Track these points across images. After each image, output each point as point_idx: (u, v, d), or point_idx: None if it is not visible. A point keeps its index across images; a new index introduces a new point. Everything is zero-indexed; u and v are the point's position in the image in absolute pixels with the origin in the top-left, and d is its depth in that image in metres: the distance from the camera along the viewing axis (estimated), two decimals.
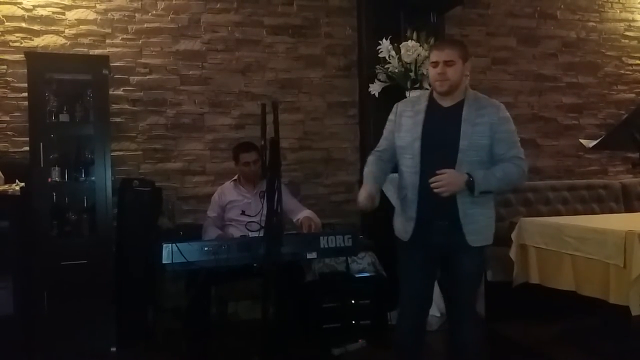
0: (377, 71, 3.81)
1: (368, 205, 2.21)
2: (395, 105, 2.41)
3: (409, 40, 3.71)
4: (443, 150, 2.20)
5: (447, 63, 2.21)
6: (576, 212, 4.43)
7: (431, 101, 2.29)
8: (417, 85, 3.68)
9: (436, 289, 2.53)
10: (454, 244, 2.25)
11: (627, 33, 5.07)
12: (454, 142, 2.19)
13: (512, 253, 3.43)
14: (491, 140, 2.22)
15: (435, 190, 2.13)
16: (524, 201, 4.50)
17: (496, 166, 2.22)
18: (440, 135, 2.23)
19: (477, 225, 2.25)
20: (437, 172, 2.13)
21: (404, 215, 2.33)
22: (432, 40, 3.77)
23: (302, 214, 3.37)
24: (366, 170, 2.37)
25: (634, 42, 5.09)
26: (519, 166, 2.25)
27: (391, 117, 2.38)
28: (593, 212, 4.46)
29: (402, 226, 2.34)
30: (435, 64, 2.23)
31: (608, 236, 2.83)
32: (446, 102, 2.27)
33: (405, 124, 2.28)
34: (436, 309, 3.56)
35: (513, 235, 3.45)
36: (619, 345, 3.08)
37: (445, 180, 2.13)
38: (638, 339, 2.77)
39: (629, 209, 4.50)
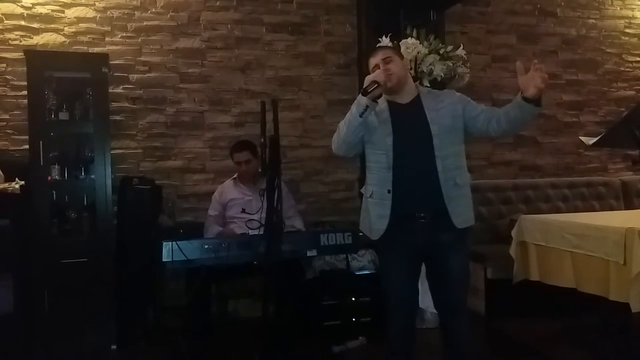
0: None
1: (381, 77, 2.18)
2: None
3: (409, 38, 3.70)
4: (417, 142, 2.23)
5: (385, 60, 2.28)
6: (576, 210, 4.43)
7: (389, 102, 2.32)
8: (417, 83, 3.66)
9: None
10: (439, 239, 2.24)
11: (627, 30, 5.07)
12: (425, 131, 2.23)
13: (512, 250, 3.43)
14: (455, 119, 2.26)
15: (540, 81, 2.06)
16: (524, 198, 4.50)
17: (484, 112, 2.27)
18: (410, 128, 2.26)
19: (461, 207, 2.26)
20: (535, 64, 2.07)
21: (373, 213, 2.30)
22: (432, 38, 3.77)
23: (291, 221, 3.35)
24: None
25: (634, 40, 5.09)
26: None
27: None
28: (593, 210, 4.47)
29: (373, 225, 2.31)
30: (376, 68, 2.29)
31: (608, 233, 2.83)
32: (403, 99, 2.32)
33: (371, 122, 2.26)
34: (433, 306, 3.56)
35: (513, 233, 3.45)
36: (619, 342, 3.08)
37: (535, 80, 2.08)
38: (638, 336, 2.78)
39: (629, 206, 4.50)
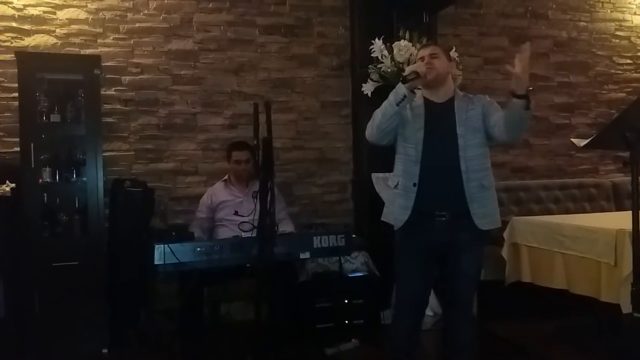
0: (369, 71, 3.81)
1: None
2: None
3: (402, 40, 3.71)
4: (444, 139, 2.29)
5: (432, 55, 2.34)
6: (568, 211, 4.46)
7: (425, 99, 2.38)
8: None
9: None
10: (456, 239, 2.26)
11: (618, 33, 5.11)
12: (452, 131, 2.29)
13: (504, 252, 3.45)
14: (482, 118, 2.31)
15: (518, 76, 2.18)
16: (516, 200, 4.52)
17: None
18: (440, 127, 2.31)
19: (486, 208, 2.30)
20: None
21: (397, 203, 2.33)
22: (424, 40, 3.78)
23: (281, 225, 3.35)
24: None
25: (625, 42, 5.13)
26: None
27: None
28: (584, 211, 4.49)
29: (394, 214, 2.35)
30: (422, 59, 2.36)
31: (599, 235, 2.85)
32: (439, 99, 2.37)
33: (405, 116, 2.33)
34: (429, 308, 3.57)
35: (505, 234, 3.46)
36: (610, 342, 3.10)
37: (522, 69, 2.20)
38: (629, 337, 2.78)
39: (620, 208, 4.53)
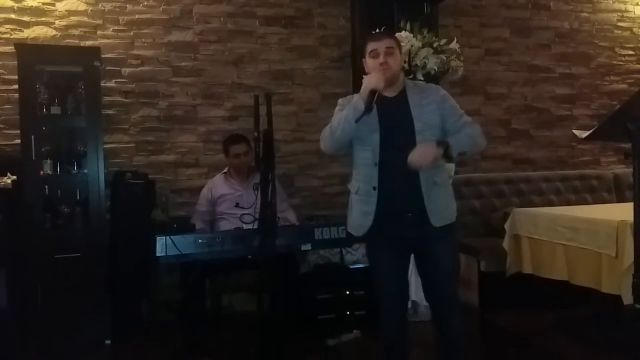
0: None
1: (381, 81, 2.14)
2: (340, 100, 2.36)
3: (403, 31, 3.69)
4: (401, 138, 2.21)
5: (388, 51, 2.23)
6: (569, 203, 4.46)
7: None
8: (411, 77, 3.67)
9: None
10: (423, 233, 2.23)
11: (620, 24, 5.08)
12: (409, 127, 2.21)
13: (505, 243, 3.45)
14: (440, 117, 2.25)
15: (414, 165, 2.10)
16: (517, 192, 4.52)
17: (457, 134, 2.24)
18: (395, 124, 2.24)
19: (439, 206, 2.25)
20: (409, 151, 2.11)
21: (359, 209, 2.29)
22: (425, 31, 3.76)
23: (284, 215, 3.35)
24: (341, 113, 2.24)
25: (627, 33, 5.10)
26: (475, 127, 2.29)
27: (339, 107, 2.32)
28: (586, 203, 4.49)
29: (357, 221, 2.31)
30: (376, 54, 2.23)
31: (600, 226, 2.85)
32: (390, 93, 2.27)
33: None
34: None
35: (506, 226, 3.47)
36: (611, 334, 3.11)
37: (418, 151, 2.11)
38: (630, 328, 2.79)
39: (621, 199, 4.53)
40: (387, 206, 2.22)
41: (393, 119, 2.24)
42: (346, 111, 2.20)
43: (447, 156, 2.17)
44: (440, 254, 2.27)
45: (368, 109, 2.11)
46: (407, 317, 2.51)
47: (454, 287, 2.37)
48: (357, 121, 2.13)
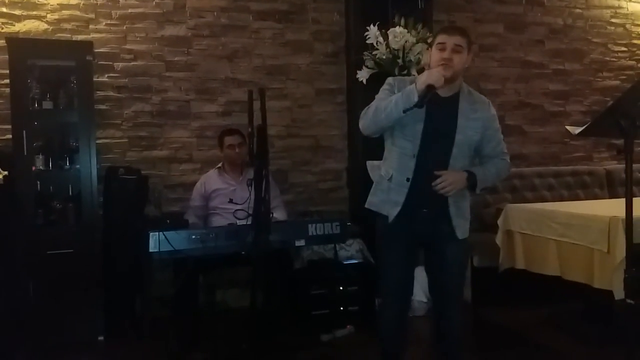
0: (364, 57, 3.79)
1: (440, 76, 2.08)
2: (391, 79, 2.31)
3: (397, 27, 3.69)
4: (440, 140, 2.21)
5: (455, 48, 2.16)
6: (561, 198, 4.47)
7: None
8: (405, 72, 3.67)
9: (423, 274, 2.54)
10: (439, 233, 2.26)
11: (613, 20, 5.10)
12: (451, 134, 2.21)
13: (498, 239, 3.46)
14: (481, 136, 2.26)
15: (441, 191, 2.15)
16: (510, 188, 4.54)
17: (488, 163, 2.31)
18: (440, 125, 2.21)
19: (464, 218, 2.30)
20: (436, 173, 2.16)
21: (387, 197, 2.29)
22: (419, 26, 3.76)
23: (275, 212, 3.34)
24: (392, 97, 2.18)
25: (620, 29, 5.12)
26: (506, 162, 2.37)
27: (387, 87, 2.28)
28: (578, 198, 4.51)
29: (384, 206, 2.30)
30: (443, 47, 2.16)
31: (592, 222, 2.87)
32: (444, 92, 2.21)
33: None
34: (423, 294, 3.60)
35: (499, 222, 3.48)
36: (603, 328, 3.13)
37: (450, 179, 2.16)
38: (621, 323, 2.81)
39: (613, 195, 4.55)
40: (413, 199, 2.23)
41: (439, 118, 2.21)
42: (396, 97, 2.13)
43: (471, 189, 2.23)
44: (451, 255, 2.29)
45: (420, 103, 2.05)
46: (409, 313, 2.52)
47: (459, 285, 2.40)
48: (405, 112, 2.09)
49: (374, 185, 2.41)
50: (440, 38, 2.20)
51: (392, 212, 2.27)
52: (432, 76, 2.08)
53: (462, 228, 2.29)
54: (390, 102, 2.15)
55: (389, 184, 2.29)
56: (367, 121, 2.23)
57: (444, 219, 2.25)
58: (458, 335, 2.35)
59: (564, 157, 4.98)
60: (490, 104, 2.34)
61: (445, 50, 2.15)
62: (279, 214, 3.42)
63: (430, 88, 2.05)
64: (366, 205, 2.39)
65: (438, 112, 2.20)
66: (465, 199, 2.30)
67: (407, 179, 2.22)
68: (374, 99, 2.30)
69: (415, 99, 2.05)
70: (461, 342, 2.38)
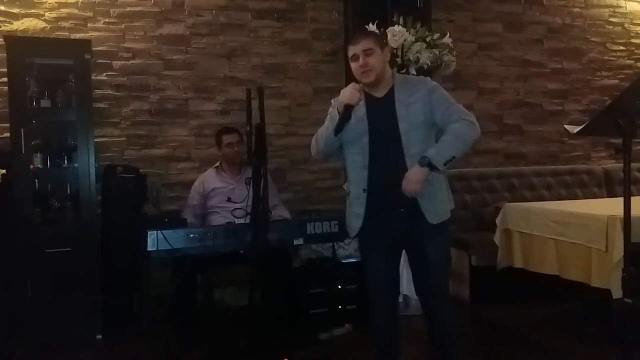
0: None
1: (355, 96, 2.12)
2: (333, 100, 2.35)
3: (396, 25, 3.69)
4: (389, 141, 2.21)
5: (366, 52, 2.20)
6: (560, 197, 4.48)
7: (366, 95, 2.25)
8: (404, 71, 3.66)
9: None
10: (416, 229, 2.24)
11: (612, 19, 5.10)
12: (394, 128, 2.21)
13: (497, 238, 3.47)
14: (426, 114, 2.23)
15: (409, 195, 2.13)
16: (509, 186, 4.54)
17: (444, 134, 2.21)
18: (383, 126, 2.23)
19: (433, 203, 2.25)
20: (390, 184, 2.13)
21: (351, 211, 2.32)
22: (418, 25, 3.76)
23: (277, 211, 3.35)
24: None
25: (618, 29, 5.12)
26: (464, 122, 2.20)
27: (330, 109, 2.33)
28: (576, 197, 4.52)
29: (350, 222, 2.35)
30: (355, 57, 2.22)
31: (590, 221, 2.87)
32: (379, 92, 2.27)
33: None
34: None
35: (497, 220, 3.48)
36: (601, 327, 3.13)
37: (410, 179, 2.12)
38: (619, 321, 2.82)
39: (611, 194, 4.56)
40: (378, 207, 2.23)
41: (381, 120, 2.23)
42: (327, 122, 2.23)
43: (435, 169, 2.14)
44: (431, 250, 2.27)
45: (342, 123, 2.13)
46: (398, 312, 2.52)
47: (444, 283, 2.38)
48: (336, 134, 2.17)
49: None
50: (350, 51, 2.25)
51: (355, 225, 2.30)
52: (346, 95, 2.14)
53: (436, 212, 2.24)
54: (323, 129, 2.25)
55: (349, 199, 2.35)
56: (313, 148, 2.34)
57: (418, 214, 2.21)
58: (449, 332, 2.35)
59: (563, 156, 4.98)
60: (429, 80, 2.33)
61: (359, 58, 2.21)
62: (282, 212, 3.42)
63: (348, 107, 2.13)
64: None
65: (378, 115, 2.23)
66: (432, 184, 2.21)
67: (364, 190, 2.24)
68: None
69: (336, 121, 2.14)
70: (454, 339, 2.37)
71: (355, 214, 2.29)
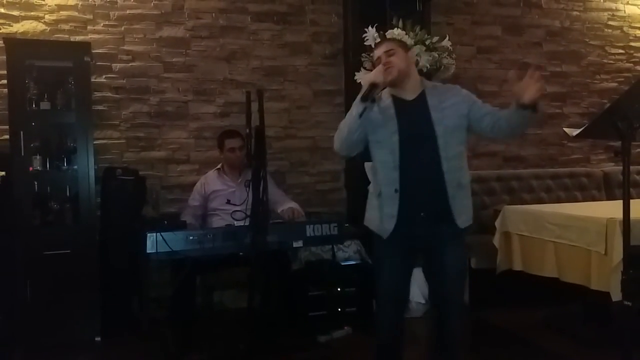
0: (363, 59, 3.79)
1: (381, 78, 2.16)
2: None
3: (395, 28, 3.69)
4: (423, 143, 2.22)
5: (388, 53, 2.26)
6: (559, 200, 4.48)
7: (394, 97, 2.29)
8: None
9: (421, 276, 2.54)
10: (438, 234, 2.24)
11: (610, 22, 5.11)
12: (430, 131, 2.22)
13: (496, 240, 3.46)
14: (461, 119, 2.26)
15: (534, 91, 2.08)
16: (508, 189, 4.54)
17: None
18: (415, 127, 2.24)
19: (465, 207, 2.29)
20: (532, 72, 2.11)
21: (382, 212, 2.29)
22: (417, 29, 3.76)
23: (287, 204, 3.37)
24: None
25: (617, 32, 5.13)
26: None
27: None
28: (575, 200, 4.52)
29: (380, 223, 2.30)
30: (379, 60, 2.27)
31: (590, 224, 2.87)
32: (408, 95, 2.28)
33: (375, 119, 2.24)
34: (421, 295, 3.60)
35: (497, 223, 3.48)
36: (600, 330, 3.13)
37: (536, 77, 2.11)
38: (618, 324, 2.83)
39: (611, 197, 4.56)
40: (410, 208, 2.23)
41: (413, 122, 2.24)
42: (351, 108, 2.22)
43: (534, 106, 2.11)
44: (450, 257, 2.29)
45: (364, 99, 2.11)
46: (405, 319, 2.50)
47: (459, 289, 2.40)
48: (360, 116, 2.15)
49: (368, 202, 2.42)
50: (374, 55, 2.34)
51: (388, 226, 2.26)
52: (371, 75, 2.21)
53: (463, 216, 2.27)
54: (347, 116, 2.25)
55: (379, 199, 2.30)
56: (338, 141, 2.32)
57: (445, 219, 2.23)
58: (459, 343, 2.35)
59: (562, 159, 4.98)
60: (459, 87, 2.37)
61: (381, 60, 2.25)
62: (292, 204, 3.40)
63: (373, 85, 2.14)
64: (364, 222, 2.41)
65: (410, 118, 2.25)
66: (462, 188, 2.27)
67: (395, 190, 2.23)
68: None
69: (362, 104, 2.14)
70: (461, 350, 2.37)
71: (388, 215, 2.25)
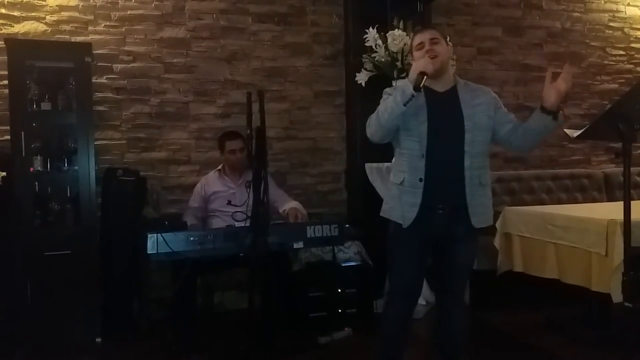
0: (363, 60, 3.80)
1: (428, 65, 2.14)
2: (388, 89, 2.37)
3: (396, 30, 3.70)
4: (450, 135, 2.23)
5: (433, 40, 2.25)
6: (560, 201, 4.48)
7: (425, 88, 2.24)
8: (404, 75, 3.67)
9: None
10: (453, 232, 2.26)
11: (611, 24, 5.11)
12: (458, 125, 2.23)
13: (497, 242, 3.46)
14: (489, 119, 2.28)
15: (562, 85, 2.19)
16: (509, 190, 4.54)
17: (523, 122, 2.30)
18: (444, 119, 2.25)
19: (483, 206, 2.29)
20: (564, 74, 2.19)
21: (404, 200, 2.27)
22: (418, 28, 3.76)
23: (289, 204, 3.37)
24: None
25: (618, 33, 5.13)
26: None
27: (385, 97, 2.32)
28: (576, 201, 4.52)
29: (402, 212, 2.28)
30: (422, 45, 2.26)
31: (590, 225, 2.87)
32: (439, 87, 2.29)
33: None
34: (422, 297, 3.59)
35: (497, 224, 3.48)
36: (601, 331, 3.13)
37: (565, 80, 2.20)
38: (619, 326, 2.83)
39: (611, 198, 4.56)
40: (431, 198, 2.23)
41: (443, 113, 2.25)
42: (394, 95, 2.19)
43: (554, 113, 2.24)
44: (461, 255, 2.32)
45: (416, 89, 2.10)
46: (412, 315, 2.50)
47: (464, 283, 2.46)
48: (405, 104, 2.13)
49: (385, 193, 2.42)
50: (416, 40, 2.31)
51: (409, 214, 2.25)
52: (420, 64, 2.15)
53: (483, 216, 2.28)
54: (389, 101, 2.20)
55: (401, 188, 2.29)
56: (373, 127, 2.27)
57: (462, 215, 2.23)
58: (460, 332, 2.38)
59: (562, 160, 4.98)
60: (489, 89, 2.38)
61: (424, 46, 2.25)
62: (293, 204, 3.39)
63: (422, 74, 2.12)
64: (381, 214, 2.40)
65: (440, 109, 2.25)
66: (483, 187, 2.28)
67: (420, 179, 2.23)
68: (371, 102, 2.34)
69: (411, 88, 2.11)
70: (463, 343, 2.39)
71: (411, 203, 2.24)
